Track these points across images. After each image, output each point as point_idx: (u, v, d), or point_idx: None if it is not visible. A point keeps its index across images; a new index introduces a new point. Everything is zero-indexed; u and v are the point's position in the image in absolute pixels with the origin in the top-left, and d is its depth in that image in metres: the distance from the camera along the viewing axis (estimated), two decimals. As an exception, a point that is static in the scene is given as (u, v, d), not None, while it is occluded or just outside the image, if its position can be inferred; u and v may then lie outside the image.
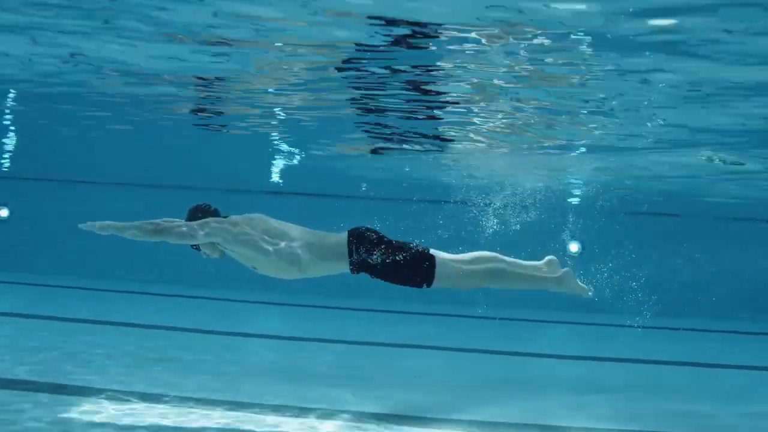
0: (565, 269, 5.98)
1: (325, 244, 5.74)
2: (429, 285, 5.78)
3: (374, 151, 12.07)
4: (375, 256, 5.67)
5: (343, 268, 5.78)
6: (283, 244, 5.66)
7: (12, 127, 12.11)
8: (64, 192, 17.54)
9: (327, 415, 6.25)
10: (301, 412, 6.35)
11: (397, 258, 5.69)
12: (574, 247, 17.70)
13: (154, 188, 16.75)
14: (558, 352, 11.54)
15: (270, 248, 5.62)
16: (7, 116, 11.19)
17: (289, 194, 16.88)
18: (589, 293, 6.05)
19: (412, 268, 5.73)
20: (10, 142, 13.46)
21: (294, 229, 5.80)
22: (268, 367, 8.92)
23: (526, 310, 15.20)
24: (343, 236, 5.75)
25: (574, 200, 16.51)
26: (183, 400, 6.50)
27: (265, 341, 10.93)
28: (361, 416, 6.28)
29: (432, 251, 5.78)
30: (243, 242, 5.57)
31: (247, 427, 5.82)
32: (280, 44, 6.63)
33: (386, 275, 5.78)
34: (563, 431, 6.39)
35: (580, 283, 6.04)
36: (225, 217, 5.70)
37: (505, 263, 5.88)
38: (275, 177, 16.11)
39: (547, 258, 6.00)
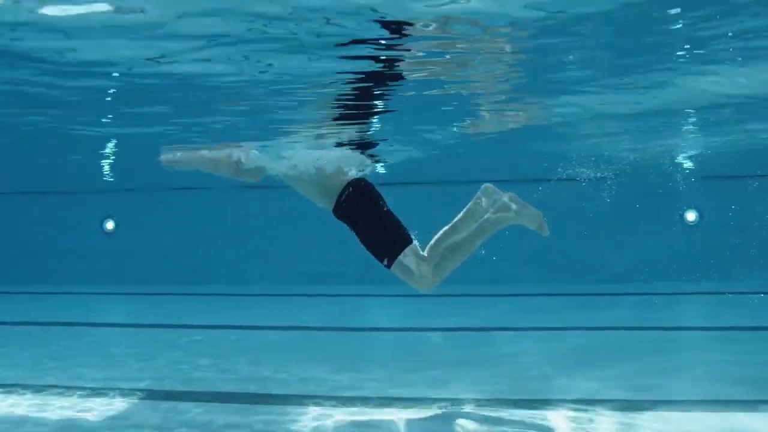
0: (509, 193, 5.73)
1: (329, 175, 5.92)
2: (389, 264, 5.60)
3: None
4: (359, 210, 5.67)
5: (328, 204, 5.86)
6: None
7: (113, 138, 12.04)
8: (167, 200, 17.61)
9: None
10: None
11: (376, 222, 5.67)
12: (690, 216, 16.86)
13: (261, 189, 16.49)
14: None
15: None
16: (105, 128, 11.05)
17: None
18: (544, 228, 5.69)
19: (385, 237, 5.62)
20: (112, 152, 13.45)
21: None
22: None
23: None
24: (344, 179, 5.86)
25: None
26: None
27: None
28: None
29: (414, 240, 5.67)
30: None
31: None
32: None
33: (359, 231, 5.73)
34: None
35: (528, 207, 5.67)
36: None
37: (451, 229, 5.72)
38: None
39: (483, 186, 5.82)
